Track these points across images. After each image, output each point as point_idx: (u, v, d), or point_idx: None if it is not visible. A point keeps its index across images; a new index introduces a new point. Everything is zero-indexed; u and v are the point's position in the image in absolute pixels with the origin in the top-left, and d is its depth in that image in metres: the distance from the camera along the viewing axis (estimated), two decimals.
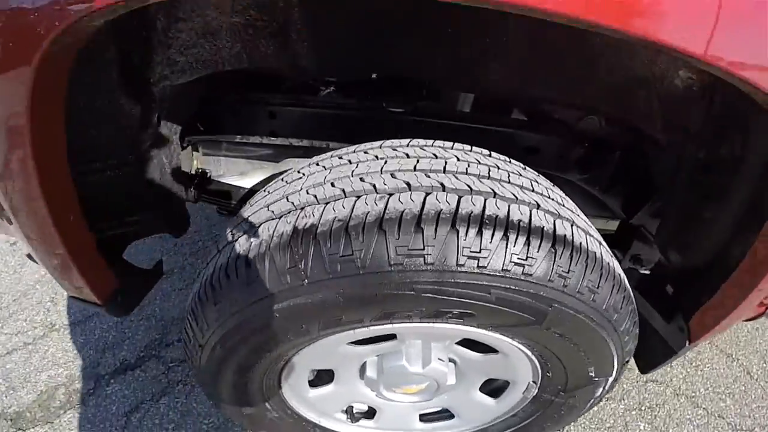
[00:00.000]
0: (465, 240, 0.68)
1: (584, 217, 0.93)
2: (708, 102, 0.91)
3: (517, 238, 0.70)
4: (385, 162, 0.82)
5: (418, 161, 0.81)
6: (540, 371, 1.05)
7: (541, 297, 0.75)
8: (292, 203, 0.79)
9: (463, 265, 0.69)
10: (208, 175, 1.46)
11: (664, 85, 0.96)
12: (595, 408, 1.62)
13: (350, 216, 0.70)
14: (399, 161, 0.82)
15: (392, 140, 0.93)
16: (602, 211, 1.58)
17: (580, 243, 0.78)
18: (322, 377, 1.21)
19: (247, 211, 0.90)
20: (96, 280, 0.93)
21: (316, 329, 0.81)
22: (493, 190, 0.76)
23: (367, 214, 0.69)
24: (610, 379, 1.07)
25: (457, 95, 1.45)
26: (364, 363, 1.09)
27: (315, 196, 0.77)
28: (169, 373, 1.67)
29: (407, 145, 0.89)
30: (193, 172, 1.44)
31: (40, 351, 1.74)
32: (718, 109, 0.89)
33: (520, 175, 0.88)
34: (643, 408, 1.74)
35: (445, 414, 1.31)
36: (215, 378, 1.00)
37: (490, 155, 0.92)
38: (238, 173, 1.60)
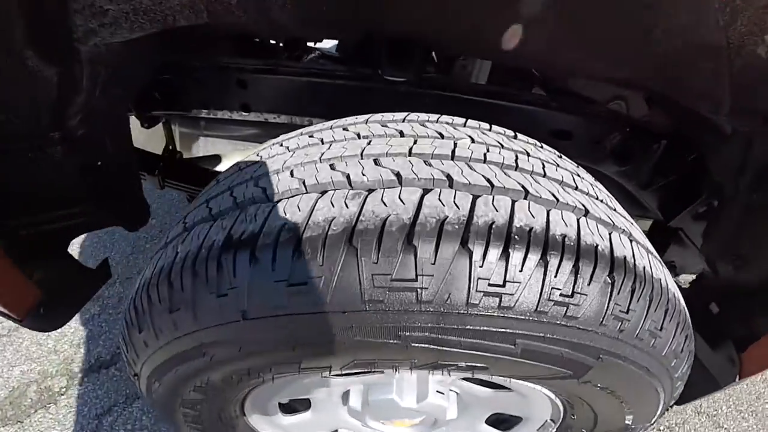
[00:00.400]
0: (482, 266, 0.41)
1: (637, 226, 0.66)
2: None
3: (560, 264, 0.43)
4: (369, 142, 0.54)
5: (415, 142, 0.53)
6: (562, 413, 0.79)
7: (587, 347, 0.48)
8: (234, 199, 0.52)
9: (476, 305, 0.42)
10: (179, 156, 1.20)
11: (742, 55, 0.68)
12: None
13: (306, 223, 0.43)
14: (388, 142, 0.54)
15: (384, 114, 0.65)
16: (632, 209, 1.30)
17: (644, 268, 0.50)
18: (301, 400, 0.97)
19: (189, 208, 0.64)
20: (4, 290, 0.68)
21: (268, 374, 0.55)
22: (524, 187, 0.48)
23: (331, 221, 0.42)
24: (648, 425, 0.81)
25: (472, 66, 1.15)
26: (348, 389, 0.85)
27: (264, 190, 0.50)
28: None
29: (403, 120, 0.61)
30: (161, 152, 1.19)
31: (15, 344, 1.54)
32: None
33: (558, 165, 0.59)
34: (661, 428, 1.50)
35: None
36: (161, 407, 0.76)
37: (515, 137, 0.64)
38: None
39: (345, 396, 0.87)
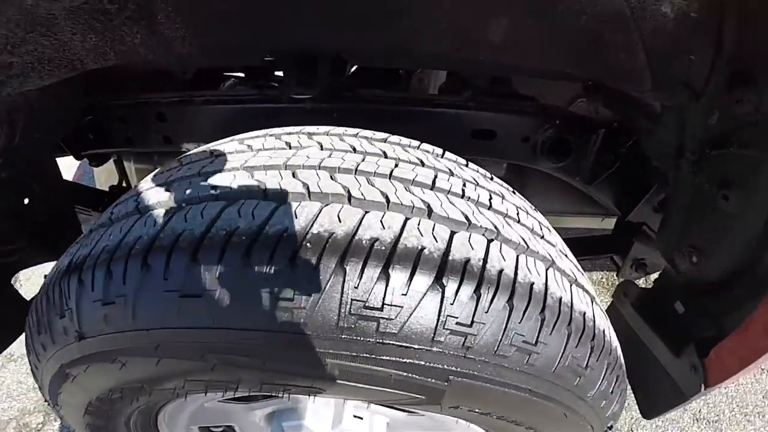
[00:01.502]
0: (272, 282, 0.41)
1: (568, 252, 0.63)
2: (716, 38, 0.57)
3: (365, 264, 0.41)
4: (225, 159, 0.55)
5: (265, 152, 0.54)
6: None
7: (421, 367, 0.45)
8: (104, 220, 0.55)
9: (289, 322, 0.41)
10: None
11: (648, 19, 0.61)
12: None
13: (119, 244, 0.44)
14: (244, 156, 0.55)
15: (265, 130, 0.66)
16: (593, 208, 1.23)
17: (560, 299, 0.48)
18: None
19: None
20: None
21: (132, 401, 0.56)
22: (346, 191, 0.47)
23: (137, 239, 0.43)
24: None
25: (428, 77, 1.16)
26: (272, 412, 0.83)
27: (111, 213, 0.52)
28: None
29: (284, 134, 0.63)
30: (107, 188, 1.24)
31: None
32: (731, 46, 0.56)
33: (452, 174, 0.59)
34: None
35: None
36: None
37: (418, 146, 0.64)
38: None
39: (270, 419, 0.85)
